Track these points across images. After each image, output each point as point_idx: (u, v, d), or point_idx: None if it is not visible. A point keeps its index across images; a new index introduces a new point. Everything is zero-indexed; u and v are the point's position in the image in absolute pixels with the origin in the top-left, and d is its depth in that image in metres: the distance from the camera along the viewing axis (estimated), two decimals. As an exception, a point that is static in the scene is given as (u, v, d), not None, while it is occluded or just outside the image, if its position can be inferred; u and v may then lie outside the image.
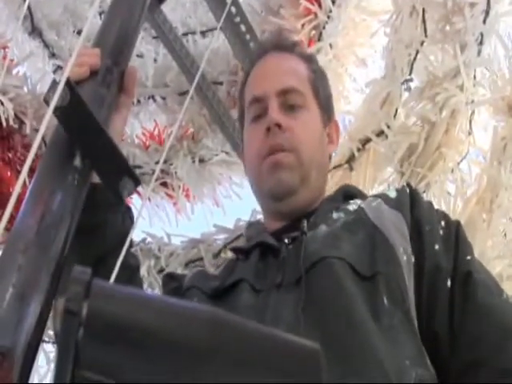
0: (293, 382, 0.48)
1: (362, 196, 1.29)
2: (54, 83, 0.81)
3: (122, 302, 0.48)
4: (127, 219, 1.10)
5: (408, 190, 1.21)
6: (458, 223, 1.19)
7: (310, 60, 1.39)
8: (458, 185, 1.97)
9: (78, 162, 0.76)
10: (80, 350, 0.45)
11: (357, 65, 2.62)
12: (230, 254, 2.02)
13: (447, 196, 1.97)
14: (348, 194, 1.30)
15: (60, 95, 0.75)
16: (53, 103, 0.63)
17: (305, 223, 1.17)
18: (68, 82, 0.75)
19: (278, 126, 1.24)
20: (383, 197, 1.22)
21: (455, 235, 1.16)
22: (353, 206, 1.21)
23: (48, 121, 0.64)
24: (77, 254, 0.78)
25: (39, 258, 0.62)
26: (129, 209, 1.13)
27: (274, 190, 1.24)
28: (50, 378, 2.48)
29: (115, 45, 1.09)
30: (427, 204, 1.21)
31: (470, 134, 2.04)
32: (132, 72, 1.10)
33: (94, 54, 1.01)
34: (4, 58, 2.33)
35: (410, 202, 1.18)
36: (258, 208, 2.36)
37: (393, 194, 1.22)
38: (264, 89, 1.30)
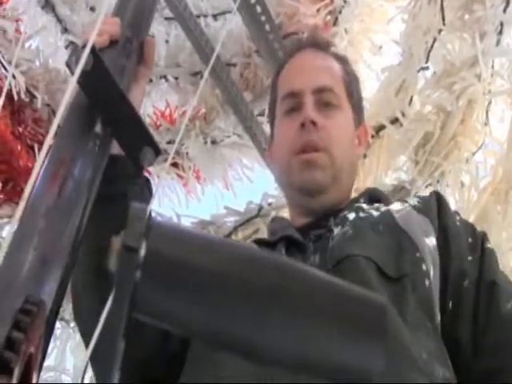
0: (358, 330, 0.46)
1: (387, 200, 1.28)
2: (76, 48, 0.79)
3: (182, 242, 0.45)
4: (146, 191, 1.08)
5: (435, 197, 1.21)
6: (484, 233, 1.19)
7: (344, 61, 1.39)
8: (472, 175, 1.95)
9: (99, 128, 0.75)
10: (136, 292, 0.43)
11: (372, 51, 2.60)
12: (240, 237, 2.01)
13: (461, 186, 1.95)
14: (373, 196, 1.29)
15: (84, 62, 0.73)
16: (79, 67, 0.61)
17: (331, 221, 1.16)
18: (92, 48, 0.73)
19: (313, 123, 1.23)
20: (410, 201, 1.21)
21: (481, 244, 1.15)
22: (379, 208, 1.21)
23: (72, 87, 0.62)
24: (96, 225, 0.76)
25: (60, 221, 0.60)
26: (148, 181, 1.12)
27: (306, 186, 1.23)
28: (54, 355, 2.48)
29: (134, 16, 1.07)
30: (454, 212, 1.21)
31: (486, 124, 2.02)
32: (151, 43, 1.08)
33: (114, 22, 0.99)
34: (17, 31, 2.31)
35: (438, 209, 1.18)
36: (270, 192, 2.36)
37: (420, 200, 1.22)
38: (300, 84, 1.29)
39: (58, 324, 2.34)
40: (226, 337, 0.45)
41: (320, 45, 1.39)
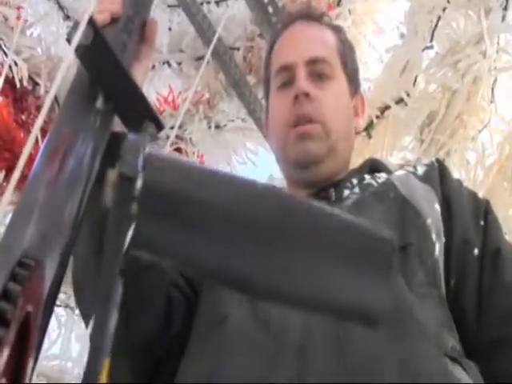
0: (365, 264, 0.44)
1: (388, 170, 1.26)
2: (77, 23, 0.78)
3: (181, 173, 0.44)
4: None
5: (437, 165, 1.19)
6: (486, 201, 1.17)
7: (338, 31, 1.35)
8: (478, 153, 1.93)
9: (100, 103, 0.73)
10: (134, 228, 0.41)
11: (375, 32, 2.58)
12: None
13: (467, 165, 1.94)
14: (374, 167, 1.27)
15: (83, 34, 0.72)
16: (77, 36, 0.60)
17: (332, 192, 1.15)
18: (91, 21, 0.72)
19: (306, 95, 1.20)
20: (411, 171, 1.19)
21: (484, 212, 1.13)
22: (381, 178, 1.19)
23: (71, 58, 0.61)
24: (96, 204, 0.75)
25: (61, 196, 0.59)
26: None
27: (300, 159, 1.21)
28: (60, 342, 2.48)
29: (136, -5, 1.05)
30: (456, 181, 1.20)
31: (491, 101, 2.00)
32: (153, 23, 1.07)
33: (115, 1, 0.98)
34: (18, 18, 2.30)
35: (440, 177, 1.16)
36: (274, 174, 2.34)
37: (421, 169, 1.20)
38: (292, 57, 1.26)
39: (62, 311, 2.34)
40: (226, 271, 0.44)
41: (312, 15, 1.35)
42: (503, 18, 1.98)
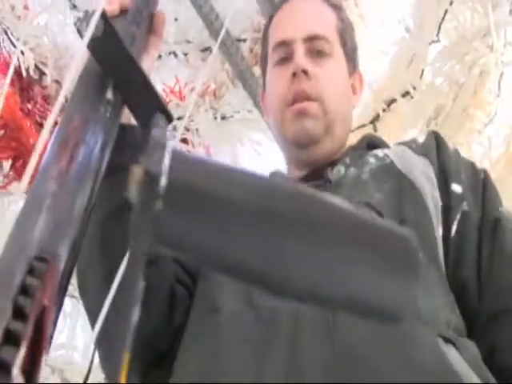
0: (390, 264, 0.44)
1: (385, 146, 1.25)
2: (87, 14, 0.78)
3: (204, 170, 0.44)
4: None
5: (434, 137, 1.18)
6: (484, 171, 1.16)
7: (338, 8, 1.34)
8: (485, 147, 1.93)
9: (110, 94, 0.73)
10: (158, 222, 0.41)
11: (381, 25, 2.58)
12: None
13: (474, 158, 1.93)
14: (371, 143, 1.26)
15: (94, 25, 0.72)
16: (89, 31, 0.61)
17: (328, 171, 1.14)
18: (103, 13, 0.72)
19: (304, 72, 1.20)
20: (408, 144, 1.19)
21: (483, 182, 1.12)
22: (378, 154, 1.18)
23: (83, 51, 0.62)
24: (103, 195, 0.75)
25: (73, 185, 0.59)
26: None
27: (297, 137, 1.20)
28: (65, 332, 2.49)
29: (144, -13, 1.06)
30: (454, 151, 1.18)
31: (498, 95, 2.00)
32: (160, 14, 1.07)
33: None
34: (25, 7, 2.30)
35: (437, 148, 1.15)
36: (279, 166, 2.35)
37: (418, 141, 1.19)
38: (291, 33, 1.25)
39: (68, 301, 2.34)
40: (248, 267, 0.44)
41: None
42: (510, 12, 1.98)
